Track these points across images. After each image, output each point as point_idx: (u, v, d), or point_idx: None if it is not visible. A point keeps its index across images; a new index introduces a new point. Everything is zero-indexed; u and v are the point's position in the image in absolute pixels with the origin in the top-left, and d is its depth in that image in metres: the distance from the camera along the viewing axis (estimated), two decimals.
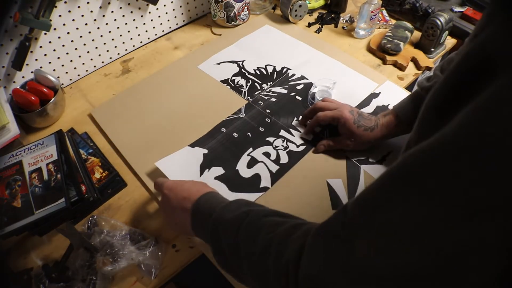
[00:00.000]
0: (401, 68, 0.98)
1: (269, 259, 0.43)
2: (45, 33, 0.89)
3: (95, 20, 0.96)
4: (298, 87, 0.94)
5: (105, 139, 0.86)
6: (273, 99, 0.91)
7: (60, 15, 0.89)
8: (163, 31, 1.13)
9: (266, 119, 0.86)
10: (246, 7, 1.12)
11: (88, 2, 0.92)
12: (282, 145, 0.81)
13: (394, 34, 1.00)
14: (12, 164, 0.74)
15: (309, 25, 1.14)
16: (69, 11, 0.90)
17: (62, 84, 1.00)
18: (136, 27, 1.06)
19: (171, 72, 1.01)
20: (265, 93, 0.93)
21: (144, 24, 1.07)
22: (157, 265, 0.64)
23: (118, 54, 1.07)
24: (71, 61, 0.98)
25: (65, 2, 0.88)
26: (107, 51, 1.04)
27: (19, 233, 0.66)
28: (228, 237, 0.50)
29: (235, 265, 0.50)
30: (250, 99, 0.91)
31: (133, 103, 0.93)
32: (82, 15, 0.93)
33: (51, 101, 0.86)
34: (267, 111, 0.88)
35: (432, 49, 0.99)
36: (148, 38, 1.11)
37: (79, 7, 0.91)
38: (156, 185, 0.66)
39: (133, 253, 0.63)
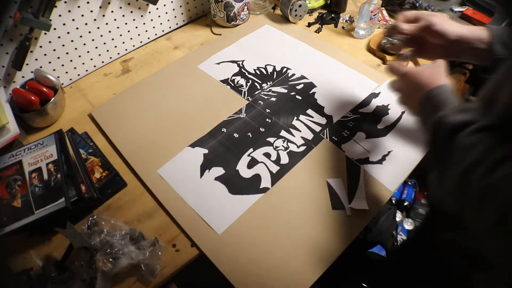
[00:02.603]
0: None
1: (475, 173, 0.44)
2: (45, 33, 0.89)
3: (95, 20, 0.96)
4: (298, 87, 0.94)
5: (105, 139, 0.86)
6: (273, 99, 0.91)
7: (60, 15, 0.89)
8: (163, 31, 1.13)
9: (267, 119, 0.86)
10: (246, 7, 1.12)
11: (88, 2, 0.92)
12: (283, 146, 0.81)
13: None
14: (12, 164, 0.74)
15: (309, 25, 1.14)
16: (69, 11, 0.90)
17: (62, 84, 0.99)
18: (136, 27, 1.06)
19: (171, 72, 1.01)
20: (265, 92, 0.93)
21: (144, 24, 1.07)
22: (157, 265, 0.64)
23: (118, 54, 1.07)
24: (71, 61, 0.98)
25: (65, 2, 0.88)
26: (107, 51, 1.04)
27: (19, 233, 0.66)
28: (444, 139, 0.52)
29: (442, 165, 0.52)
30: (250, 99, 0.91)
31: (133, 103, 0.93)
32: (82, 15, 0.93)
33: (51, 101, 0.86)
34: (267, 110, 0.88)
35: None
36: (148, 38, 1.11)
37: (79, 7, 0.91)
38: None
39: (133, 253, 0.63)
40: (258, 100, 0.91)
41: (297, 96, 0.91)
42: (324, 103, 0.89)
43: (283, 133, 0.83)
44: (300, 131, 0.84)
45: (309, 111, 0.87)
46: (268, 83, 0.95)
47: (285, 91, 0.93)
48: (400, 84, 0.68)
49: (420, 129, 0.61)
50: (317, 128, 0.84)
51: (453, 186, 0.48)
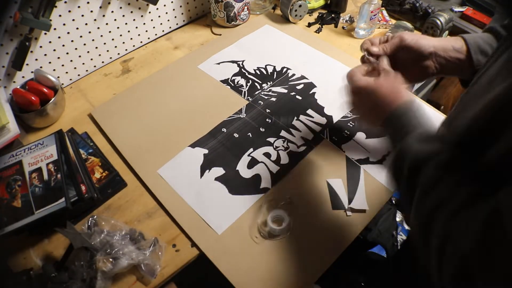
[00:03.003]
0: None
1: (436, 219, 0.40)
2: (45, 33, 0.89)
3: (95, 20, 0.96)
4: (298, 87, 0.93)
5: (105, 139, 0.86)
6: (273, 99, 0.91)
7: (60, 15, 0.89)
8: (163, 31, 1.13)
9: (267, 120, 0.86)
10: (246, 7, 1.12)
11: (88, 2, 0.92)
12: (283, 146, 0.81)
13: (394, 34, 1.00)
14: (12, 164, 0.74)
15: (309, 25, 1.14)
16: (69, 11, 0.90)
17: (62, 84, 0.99)
18: (136, 27, 1.06)
19: (171, 72, 1.01)
20: (265, 92, 0.93)
21: (144, 24, 1.07)
22: (157, 265, 0.64)
23: (118, 54, 1.07)
24: (71, 61, 0.98)
25: (65, 2, 0.88)
26: (107, 51, 1.04)
27: (19, 233, 0.66)
28: (409, 170, 0.47)
29: (405, 199, 0.48)
30: (250, 99, 0.92)
31: (133, 103, 0.93)
32: (82, 15, 0.93)
33: (51, 101, 0.86)
34: (267, 111, 0.88)
35: None
36: (148, 38, 1.11)
37: (79, 7, 0.91)
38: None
39: (133, 253, 0.63)
40: (258, 100, 0.91)
41: (297, 96, 0.91)
42: (324, 103, 0.89)
43: (283, 133, 0.83)
44: (300, 131, 0.83)
45: (309, 111, 0.87)
46: (268, 83, 0.95)
47: (285, 91, 0.93)
48: (359, 100, 0.62)
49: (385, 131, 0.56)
50: (317, 128, 0.83)
51: (416, 229, 0.44)
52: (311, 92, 0.92)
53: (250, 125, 0.86)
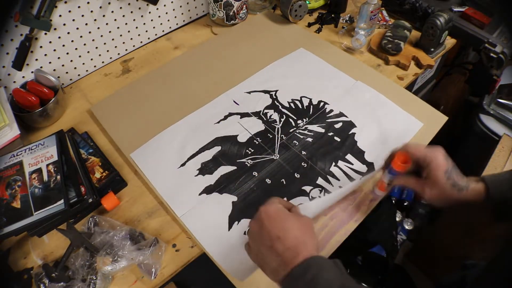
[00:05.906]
0: (404, 67, 0.97)
1: None
2: (46, 33, 0.89)
3: (95, 20, 0.96)
4: (337, 126, 0.84)
5: (105, 138, 0.87)
6: (309, 139, 0.82)
7: (60, 15, 0.89)
8: (163, 31, 1.14)
9: (302, 163, 0.78)
10: (244, 5, 1.12)
11: (88, 2, 0.92)
12: (319, 197, 0.72)
13: (393, 34, 1.00)
14: (12, 164, 0.74)
15: (309, 25, 1.14)
16: (69, 11, 0.90)
17: (62, 84, 1.00)
18: (136, 27, 1.06)
19: (172, 69, 1.01)
20: (301, 131, 0.84)
21: (144, 24, 1.07)
22: (157, 265, 0.64)
23: (118, 54, 1.07)
24: (71, 61, 0.98)
25: (65, 2, 0.88)
26: (107, 51, 1.04)
27: (17, 234, 0.66)
28: None
29: None
30: (284, 137, 0.83)
31: (133, 98, 0.93)
32: (82, 15, 0.93)
33: (51, 101, 0.86)
34: (303, 153, 0.80)
35: (432, 49, 0.99)
36: (148, 38, 1.11)
37: (79, 7, 0.91)
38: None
39: (133, 253, 0.63)
40: (293, 139, 0.82)
41: (336, 138, 0.82)
42: (365, 147, 0.80)
43: (320, 181, 0.75)
44: (339, 179, 0.75)
45: (349, 157, 0.79)
46: (304, 119, 0.86)
47: (323, 130, 0.84)
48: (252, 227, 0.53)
49: None
50: (357, 178, 0.75)
51: None
52: (350, 133, 0.83)
53: (284, 170, 0.77)
